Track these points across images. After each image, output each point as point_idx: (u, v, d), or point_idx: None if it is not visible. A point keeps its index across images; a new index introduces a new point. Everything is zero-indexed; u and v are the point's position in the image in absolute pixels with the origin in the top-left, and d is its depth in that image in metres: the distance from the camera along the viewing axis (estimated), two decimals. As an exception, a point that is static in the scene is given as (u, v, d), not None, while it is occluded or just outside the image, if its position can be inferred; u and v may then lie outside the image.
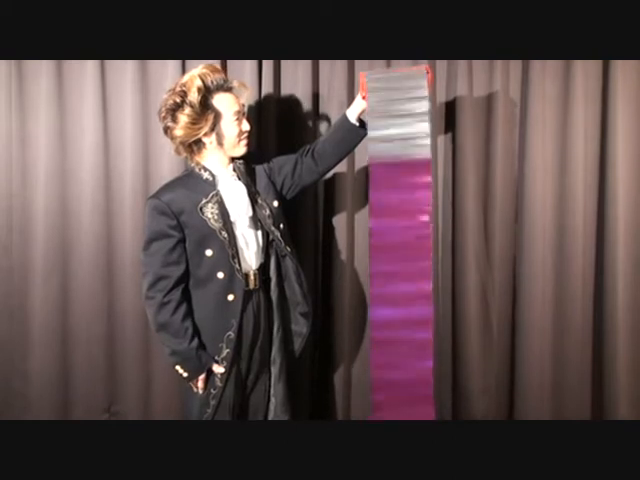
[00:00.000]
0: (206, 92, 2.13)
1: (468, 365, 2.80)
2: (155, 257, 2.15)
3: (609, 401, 2.82)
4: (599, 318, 2.84)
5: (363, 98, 2.22)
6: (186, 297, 2.18)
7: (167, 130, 2.18)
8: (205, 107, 2.13)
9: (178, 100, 2.11)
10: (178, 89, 2.13)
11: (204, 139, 2.18)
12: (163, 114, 2.16)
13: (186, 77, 2.15)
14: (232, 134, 2.20)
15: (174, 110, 2.13)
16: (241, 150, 2.24)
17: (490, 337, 2.81)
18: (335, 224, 2.73)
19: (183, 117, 2.12)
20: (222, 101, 2.16)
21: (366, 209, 2.69)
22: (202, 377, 2.19)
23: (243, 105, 2.24)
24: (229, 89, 2.19)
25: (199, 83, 2.11)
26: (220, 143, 2.20)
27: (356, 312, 2.75)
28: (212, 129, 2.16)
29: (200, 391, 2.20)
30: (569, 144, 2.75)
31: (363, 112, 2.27)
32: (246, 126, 2.22)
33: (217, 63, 2.53)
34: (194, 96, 2.10)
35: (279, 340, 2.31)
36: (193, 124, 2.13)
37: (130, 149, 2.62)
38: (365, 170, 2.66)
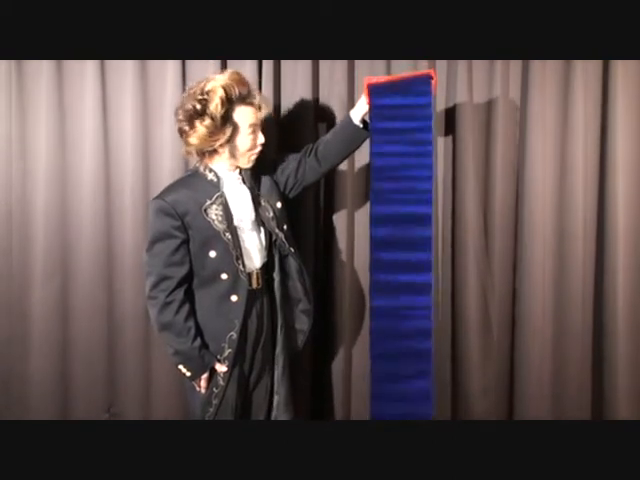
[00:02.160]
0: (228, 105, 2.10)
1: (468, 365, 2.79)
2: (158, 258, 2.15)
3: (609, 401, 2.82)
4: (599, 318, 2.83)
5: (367, 103, 2.23)
6: (189, 297, 2.19)
7: (182, 133, 2.15)
8: (225, 120, 2.10)
9: (199, 108, 2.08)
10: (199, 96, 2.09)
11: (218, 149, 2.17)
12: (180, 117, 2.13)
13: (210, 84, 2.10)
14: (245, 147, 2.19)
15: (193, 117, 2.10)
16: (249, 163, 2.24)
17: (490, 337, 2.80)
18: (335, 222, 2.72)
19: (202, 127, 2.09)
20: (242, 114, 2.15)
21: (366, 207, 2.69)
22: (205, 376, 2.19)
23: (260, 119, 2.22)
24: (250, 103, 2.16)
25: (222, 95, 2.08)
26: (233, 154, 2.19)
27: (356, 310, 2.75)
28: (228, 141, 2.15)
29: (203, 390, 2.21)
30: (569, 144, 2.75)
31: (367, 114, 2.27)
32: (261, 139, 2.21)
33: (217, 63, 2.54)
34: (217, 109, 2.07)
35: (282, 338, 2.31)
36: (210, 136, 2.11)
37: (130, 149, 2.61)
38: (365, 169, 2.67)
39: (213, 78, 2.13)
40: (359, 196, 2.72)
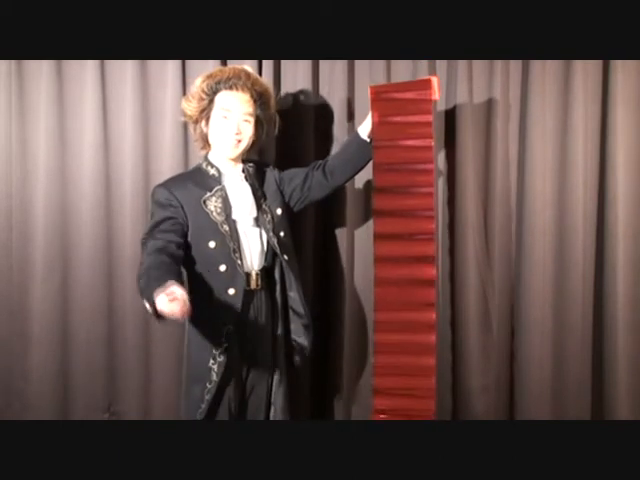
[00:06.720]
0: (213, 82, 2.19)
1: (468, 364, 2.79)
2: (155, 221, 2.16)
3: (609, 401, 2.82)
4: (599, 318, 2.83)
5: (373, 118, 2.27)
6: (177, 260, 2.09)
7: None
8: (203, 92, 2.19)
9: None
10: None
11: (204, 129, 2.23)
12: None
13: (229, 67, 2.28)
14: (215, 129, 2.22)
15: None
16: (228, 152, 2.24)
17: (490, 336, 2.80)
18: (335, 230, 2.72)
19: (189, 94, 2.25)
20: (222, 97, 2.20)
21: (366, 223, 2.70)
22: (167, 292, 1.83)
23: (251, 114, 2.22)
24: (234, 88, 2.19)
25: (217, 74, 2.20)
26: (213, 139, 2.24)
27: (356, 317, 2.74)
28: (203, 116, 2.22)
29: (179, 315, 1.84)
30: (569, 144, 2.75)
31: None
32: (232, 129, 2.20)
33: (217, 63, 2.54)
34: (200, 80, 2.21)
35: (282, 345, 2.31)
36: (188, 100, 2.23)
37: (130, 149, 2.62)
38: (366, 185, 2.67)
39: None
40: (358, 213, 2.71)
